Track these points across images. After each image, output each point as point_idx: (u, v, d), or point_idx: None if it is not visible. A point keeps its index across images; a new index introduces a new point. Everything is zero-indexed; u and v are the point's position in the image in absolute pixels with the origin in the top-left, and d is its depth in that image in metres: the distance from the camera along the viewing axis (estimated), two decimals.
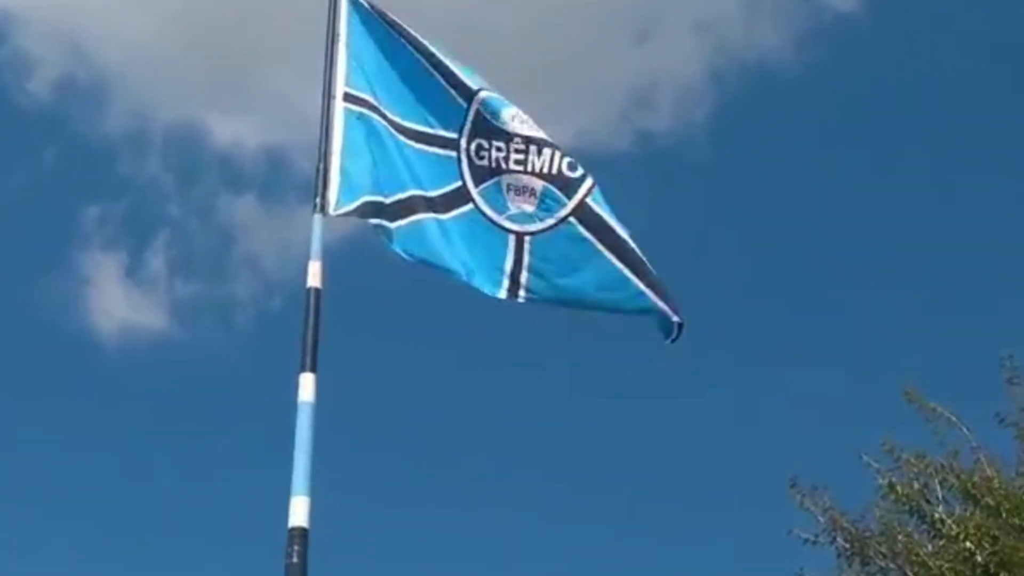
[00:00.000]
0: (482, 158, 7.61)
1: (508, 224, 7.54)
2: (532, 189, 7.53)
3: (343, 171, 7.47)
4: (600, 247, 7.41)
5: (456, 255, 7.49)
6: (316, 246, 7.19)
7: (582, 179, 7.52)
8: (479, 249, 7.52)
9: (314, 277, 7.04)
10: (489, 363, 24.02)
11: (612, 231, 7.43)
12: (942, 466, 12.75)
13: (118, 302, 25.87)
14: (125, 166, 27.23)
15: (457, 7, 21.80)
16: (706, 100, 26.92)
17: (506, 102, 7.67)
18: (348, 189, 7.45)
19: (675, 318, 7.30)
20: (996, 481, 12.45)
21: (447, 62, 7.77)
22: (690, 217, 26.68)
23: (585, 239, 7.43)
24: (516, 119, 7.64)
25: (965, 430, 12.91)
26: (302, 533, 6.14)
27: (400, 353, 23.41)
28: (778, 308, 26.11)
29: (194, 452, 24.22)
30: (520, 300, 7.48)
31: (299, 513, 6.19)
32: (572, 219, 7.46)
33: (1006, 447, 13.00)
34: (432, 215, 7.54)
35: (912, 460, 12.86)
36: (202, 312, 26.46)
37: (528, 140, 7.59)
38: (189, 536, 22.99)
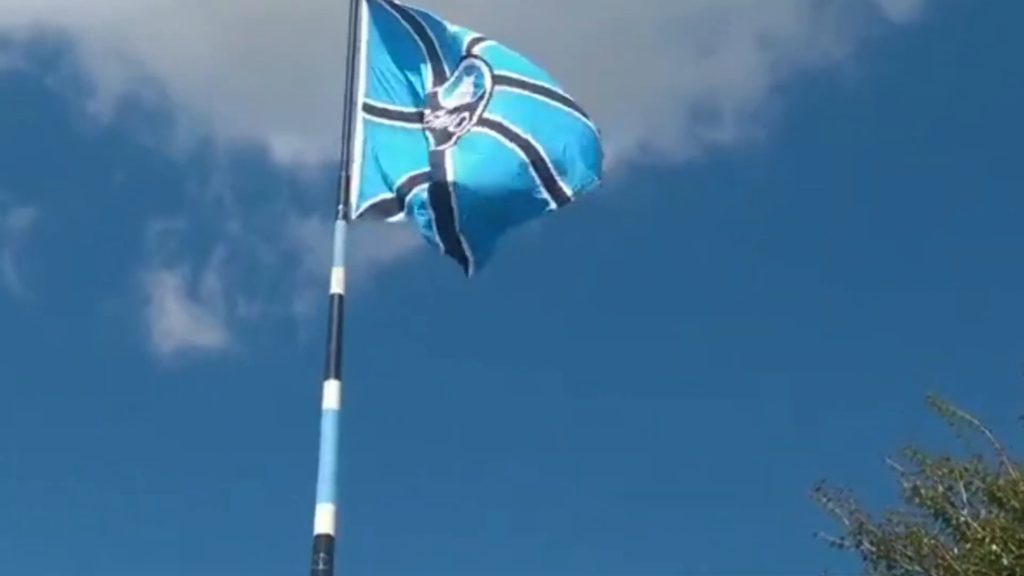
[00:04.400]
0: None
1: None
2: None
3: (363, 179, 7.50)
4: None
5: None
6: (339, 253, 7.23)
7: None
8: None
9: (337, 283, 7.07)
10: (516, 369, 24.05)
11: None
12: (966, 469, 12.73)
13: (179, 321, 25.90)
14: (187, 185, 27.29)
15: (522, 13, 21.95)
16: (769, 111, 26.96)
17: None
18: (366, 193, 7.47)
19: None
20: (1021, 484, 12.42)
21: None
22: (751, 225, 26.73)
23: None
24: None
25: (988, 433, 12.90)
26: (328, 540, 6.16)
27: (431, 360, 23.45)
28: (816, 313, 26.08)
29: (250, 468, 24.23)
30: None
31: (324, 520, 6.21)
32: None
33: None
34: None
35: (936, 464, 12.85)
36: (262, 330, 26.46)
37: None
38: (244, 541, 23.11)
